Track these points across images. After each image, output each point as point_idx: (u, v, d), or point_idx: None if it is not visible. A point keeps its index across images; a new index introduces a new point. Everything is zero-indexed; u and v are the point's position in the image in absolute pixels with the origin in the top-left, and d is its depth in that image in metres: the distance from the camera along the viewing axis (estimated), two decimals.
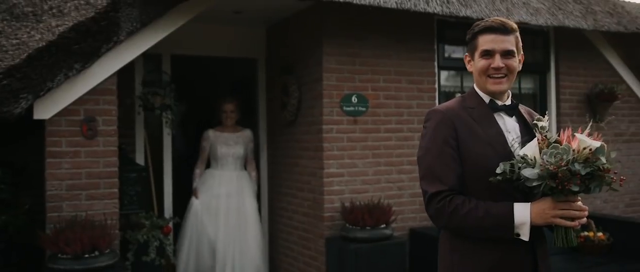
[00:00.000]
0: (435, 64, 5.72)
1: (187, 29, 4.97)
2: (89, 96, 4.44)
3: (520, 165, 1.89)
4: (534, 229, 1.97)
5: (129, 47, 4.54)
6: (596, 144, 1.84)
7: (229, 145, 5.66)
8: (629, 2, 17.11)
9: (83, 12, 4.60)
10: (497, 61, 2.09)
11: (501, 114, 2.15)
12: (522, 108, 2.24)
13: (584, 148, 1.83)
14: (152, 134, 5.97)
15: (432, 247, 5.06)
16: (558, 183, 1.83)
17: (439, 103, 5.78)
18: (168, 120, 5.47)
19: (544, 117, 2.15)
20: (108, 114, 4.50)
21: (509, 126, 2.14)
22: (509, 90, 2.20)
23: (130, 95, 5.37)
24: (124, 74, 4.82)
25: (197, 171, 5.74)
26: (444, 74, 5.91)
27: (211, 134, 5.71)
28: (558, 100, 6.46)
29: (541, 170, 1.84)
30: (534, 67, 6.39)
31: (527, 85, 6.48)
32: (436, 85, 5.72)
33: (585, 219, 1.94)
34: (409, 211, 5.51)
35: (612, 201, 6.78)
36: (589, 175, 1.82)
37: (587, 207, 1.97)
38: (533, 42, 6.37)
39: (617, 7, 6.63)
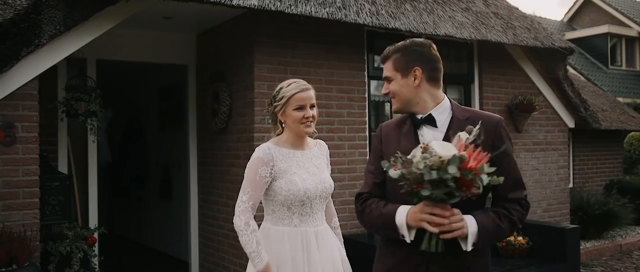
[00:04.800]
0: (366, 73, 5.84)
1: (114, 34, 4.84)
2: (7, 101, 4.23)
3: (391, 166, 2.04)
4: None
5: (51, 50, 4.36)
6: (448, 154, 1.89)
7: (311, 173, 2.79)
8: (545, 19, 18.10)
9: (0, 13, 4.38)
10: (384, 88, 2.29)
11: (424, 126, 2.20)
12: (461, 115, 2.19)
13: (440, 157, 1.90)
14: (77, 141, 5.75)
15: (363, 253, 5.14)
16: (411, 186, 1.94)
17: (369, 112, 5.91)
18: (93, 127, 5.29)
19: (474, 128, 2.15)
20: (28, 120, 4.30)
21: (428, 138, 2.17)
22: (437, 102, 2.19)
23: (52, 101, 5.15)
24: (46, 79, 4.63)
25: (252, 223, 2.65)
26: (373, 83, 6.04)
27: (275, 152, 2.72)
28: None
29: (401, 172, 1.96)
30: (460, 78, 6.66)
31: (453, 95, 6.73)
32: (366, 95, 5.84)
33: (456, 231, 1.95)
34: (340, 219, 5.55)
35: (531, 206, 7.12)
36: (435, 182, 1.87)
37: (452, 218, 1.96)
38: (458, 54, 6.64)
39: (534, 23, 7.02)
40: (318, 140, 2.97)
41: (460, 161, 1.86)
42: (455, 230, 1.95)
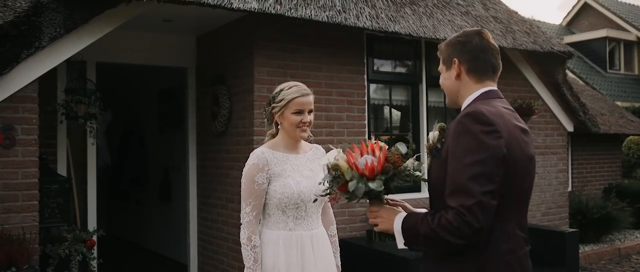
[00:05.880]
0: (365, 77, 5.84)
1: (114, 36, 4.84)
2: (7, 103, 4.23)
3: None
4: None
5: (51, 53, 4.36)
6: (331, 160, 2.11)
7: (306, 176, 2.75)
8: (544, 23, 18.11)
9: (0, 15, 4.39)
10: None
11: None
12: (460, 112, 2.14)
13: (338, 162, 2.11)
14: (76, 143, 5.75)
15: (361, 257, 5.14)
16: None
17: (368, 116, 5.91)
18: (93, 130, 5.29)
19: (435, 130, 2.16)
20: (28, 123, 4.30)
21: None
22: (461, 104, 2.14)
23: (52, 103, 5.15)
24: (46, 81, 4.63)
25: (254, 239, 2.64)
26: (373, 87, 6.04)
27: (269, 155, 2.70)
28: None
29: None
30: None
31: None
32: (366, 98, 5.84)
33: (378, 225, 2.08)
34: (339, 222, 5.56)
35: (530, 210, 7.12)
36: (330, 179, 2.11)
37: (369, 214, 2.11)
38: None
39: (533, 27, 7.03)
40: (315, 144, 2.93)
41: (333, 167, 2.08)
42: (374, 224, 2.09)
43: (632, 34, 17.70)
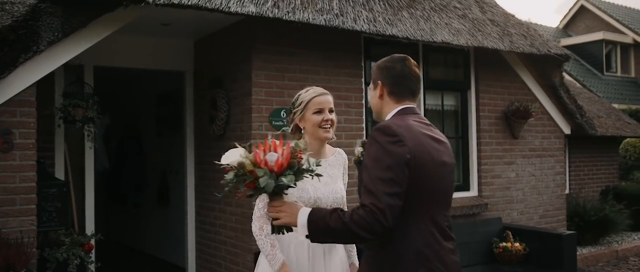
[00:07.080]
0: (363, 80, 5.85)
1: (111, 40, 4.85)
2: (5, 108, 4.23)
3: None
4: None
5: (49, 57, 4.37)
6: (236, 159, 2.21)
7: (324, 182, 2.74)
8: (541, 25, 18.14)
9: None
10: None
11: None
12: None
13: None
14: (74, 147, 5.75)
15: (360, 258, 5.14)
16: None
17: (366, 119, 5.92)
18: (90, 134, 5.29)
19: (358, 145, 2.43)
20: (26, 127, 4.30)
21: None
22: (384, 118, 2.36)
23: (49, 107, 5.15)
24: (44, 85, 4.63)
25: (266, 228, 2.72)
26: None
27: None
28: (478, 117, 6.77)
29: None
30: (456, 85, 6.68)
31: (450, 102, 6.75)
32: (363, 101, 5.85)
33: (279, 220, 2.23)
34: None
35: (528, 212, 7.15)
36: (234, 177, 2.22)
37: (270, 208, 2.27)
38: (454, 61, 6.66)
39: (530, 30, 7.06)
40: (337, 149, 2.95)
41: (239, 166, 2.19)
42: (275, 218, 2.25)
43: (628, 37, 17.76)
